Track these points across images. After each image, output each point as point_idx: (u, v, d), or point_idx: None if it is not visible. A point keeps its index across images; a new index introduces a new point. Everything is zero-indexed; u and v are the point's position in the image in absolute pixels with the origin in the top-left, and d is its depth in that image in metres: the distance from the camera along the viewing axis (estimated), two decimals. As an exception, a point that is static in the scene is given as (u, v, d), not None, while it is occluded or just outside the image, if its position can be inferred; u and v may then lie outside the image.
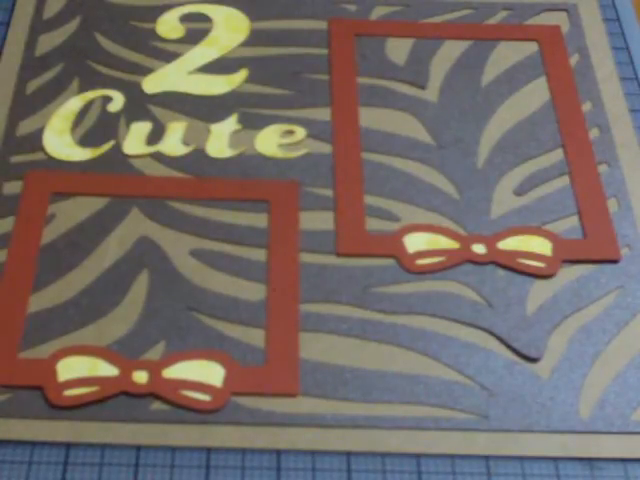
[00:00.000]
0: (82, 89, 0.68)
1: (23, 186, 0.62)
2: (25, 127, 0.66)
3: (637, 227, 0.62)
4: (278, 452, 0.53)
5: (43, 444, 0.52)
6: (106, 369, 0.54)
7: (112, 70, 0.70)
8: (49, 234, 0.60)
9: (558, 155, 0.66)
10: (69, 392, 0.53)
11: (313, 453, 0.53)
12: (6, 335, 0.55)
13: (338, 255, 0.60)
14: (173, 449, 0.52)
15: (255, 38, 0.72)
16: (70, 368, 0.54)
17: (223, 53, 0.71)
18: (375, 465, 0.52)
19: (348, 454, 0.53)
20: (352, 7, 0.75)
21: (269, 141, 0.66)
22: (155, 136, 0.66)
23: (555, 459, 0.53)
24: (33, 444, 0.52)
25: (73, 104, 0.67)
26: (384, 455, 0.53)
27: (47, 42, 0.71)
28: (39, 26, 0.72)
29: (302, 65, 0.71)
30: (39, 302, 0.57)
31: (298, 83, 0.70)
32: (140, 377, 0.53)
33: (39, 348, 0.55)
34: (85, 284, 0.58)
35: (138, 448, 0.52)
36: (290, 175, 0.64)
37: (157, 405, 0.53)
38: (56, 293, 0.57)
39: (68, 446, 0.52)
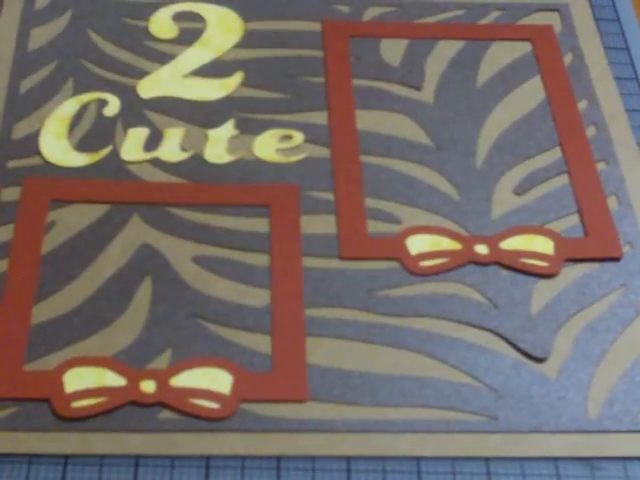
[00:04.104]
0: (77, 91, 0.68)
1: (22, 193, 0.61)
2: (21, 130, 0.65)
3: (638, 224, 0.63)
4: (279, 452, 0.53)
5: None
6: (113, 379, 0.53)
7: (106, 71, 0.69)
8: (49, 243, 0.59)
9: (556, 154, 0.66)
10: (77, 403, 0.52)
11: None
12: (12, 347, 0.54)
13: (341, 259, 0.60)
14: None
15: (249, 39, 0.72)
16: (77, 379, 0.53)
17: (217, 55, 0.71)
18: (375, 465, 0.52)
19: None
20: (345, 8, 0.74)
21: (267, 146, 0.65)
22: (153, 142, 0.65)
23: (555, 459, 0.53)
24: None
25: (68, 107, 0.67)
26: (384, 455, 0.53)
27: (39, 36, 0.70)
28: (30, 19, 0.71)
29: (297, 67, 0.70)
30: (43, 313, 0.56)
31: (294, 86, 0.69)
32: (148, 386, 0.53)
33: (45, 359, 0.54)
34: (88, 293, 0.57)
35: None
36: (290, 179, 0.64)
37: (166, 414, 0.53)
38: (59, 303, 0.57)
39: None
